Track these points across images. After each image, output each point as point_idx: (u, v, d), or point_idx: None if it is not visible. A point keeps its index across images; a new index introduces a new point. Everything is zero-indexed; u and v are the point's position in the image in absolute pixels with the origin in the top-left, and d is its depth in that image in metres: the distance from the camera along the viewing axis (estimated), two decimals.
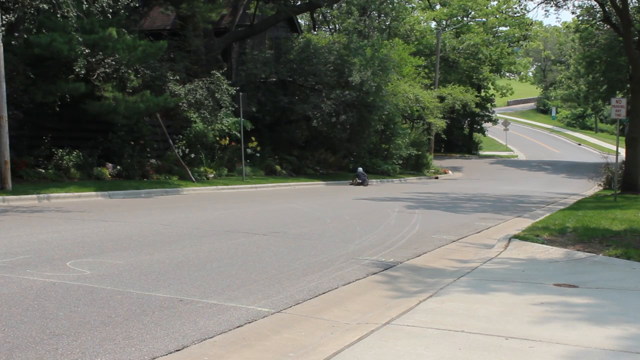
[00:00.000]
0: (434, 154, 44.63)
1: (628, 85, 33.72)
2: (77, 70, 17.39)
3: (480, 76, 56.68)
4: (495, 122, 64.28)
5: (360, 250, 9.39)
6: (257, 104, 27.38)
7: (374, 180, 30.17)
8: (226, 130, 23.76)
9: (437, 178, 36.66)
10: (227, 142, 24.56)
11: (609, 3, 26.28)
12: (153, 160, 21.62)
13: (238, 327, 5.32)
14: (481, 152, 61.83)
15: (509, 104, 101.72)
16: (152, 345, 4.76)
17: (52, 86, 17.80)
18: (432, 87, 44.61)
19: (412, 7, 58.16)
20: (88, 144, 19.85)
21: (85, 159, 19.21)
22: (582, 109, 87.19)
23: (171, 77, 21.95)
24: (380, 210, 15.35)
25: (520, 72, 69.70)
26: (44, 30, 17.56)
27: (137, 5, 19.88)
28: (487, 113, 62.07)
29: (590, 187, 29.37)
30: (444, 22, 58.62)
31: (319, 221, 12.75)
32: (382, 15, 53.57)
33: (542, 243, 9.86)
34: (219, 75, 23.57)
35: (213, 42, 27.27)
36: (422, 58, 48.35)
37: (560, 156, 56.76)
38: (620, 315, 5.63)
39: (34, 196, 15.07)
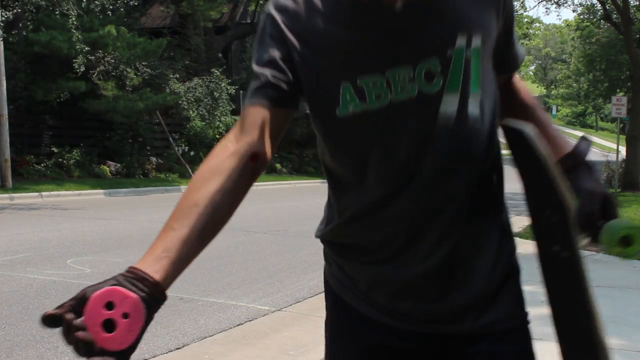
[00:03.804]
0: None
1: (629, 84, 33.70)
2: (76, 68, 17.39)
3: None
4: None
5: None
6: None
7: None
8: (226, 129, 23.74)
9: None
10: None
11: (609, 1, 26.24)
12: (153, 159, 21.62)
13: (238, 325, 5.32)
14: None
15: None
16: (152, 343, 4.75)
17: (53, 84, 17.82)
18: None
19: None
20: (88, 142, 19.85)
21: (85, 157, 19.22)
22: (582, 108, 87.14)
23: (171, 75, 21.94)
24: None
25: (520, 71, 69.63)
26: (43, 29, 17.55)
27: (137, 3, 19.86)
28: None
29: None
30: None
31: (320, 219, 12.71)
32: None
33: None
34: (219, 73, 23.56)
35: (213, 40, 27.24)
36: None
37: None
38: (621, 314, 5.63)
39: (35, 194, 15.07)
